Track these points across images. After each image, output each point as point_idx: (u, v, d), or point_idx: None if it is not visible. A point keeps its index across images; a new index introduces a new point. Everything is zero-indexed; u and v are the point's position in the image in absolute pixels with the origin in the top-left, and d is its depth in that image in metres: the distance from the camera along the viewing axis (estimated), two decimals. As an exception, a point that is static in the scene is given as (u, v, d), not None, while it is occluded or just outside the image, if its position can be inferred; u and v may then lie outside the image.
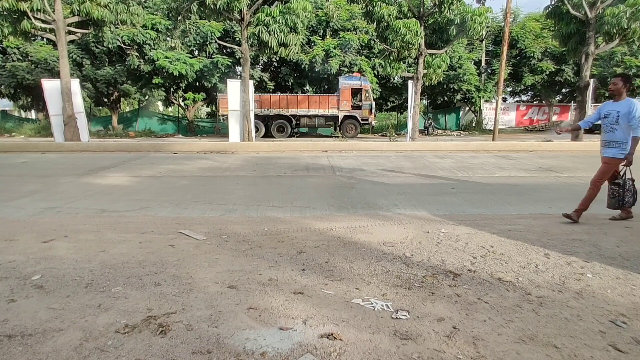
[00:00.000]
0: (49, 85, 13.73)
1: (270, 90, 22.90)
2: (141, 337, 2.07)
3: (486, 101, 25.35)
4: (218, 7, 12.42)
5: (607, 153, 4.29)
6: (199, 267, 3.04)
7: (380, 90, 23.66)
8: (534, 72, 24.84)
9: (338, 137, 18.60)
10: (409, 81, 15.30)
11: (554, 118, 27.38)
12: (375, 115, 22.49)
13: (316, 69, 21.68)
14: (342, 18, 22.76)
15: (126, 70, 21.70)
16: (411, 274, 2.93)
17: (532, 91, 28.40)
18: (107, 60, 22.13)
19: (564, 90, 28.51)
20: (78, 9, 13.57)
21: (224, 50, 21.90)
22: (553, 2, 14.86)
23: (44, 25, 13.21)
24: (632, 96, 24.07)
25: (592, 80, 15.04)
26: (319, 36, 22.55)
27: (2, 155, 11.12)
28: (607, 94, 26.29)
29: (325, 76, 22.22)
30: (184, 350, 1.95)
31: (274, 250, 3.47)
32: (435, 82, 16.72)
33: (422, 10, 14.63)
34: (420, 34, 14.01)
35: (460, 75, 23.34)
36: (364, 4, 15.10)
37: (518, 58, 25.22)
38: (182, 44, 19.82)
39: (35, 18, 12.97)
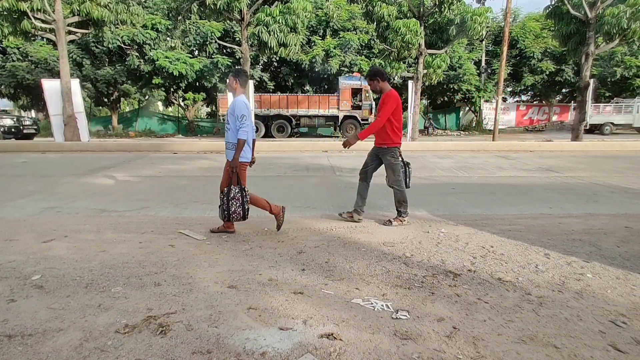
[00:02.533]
0: (49, 85, 13.72)
1: (270, 90, 22.90)
2: (141, 337, 2.07)
3: (486, 101, 25.34)
4: (218, 7, 12.43)
5: (227, 155, 3.87)
6: (199, 267, 3.04)
7: (381, 90, 23.62)
8: (534, 72, 24.85)
9: (338, 137, 18.60)
10: (409, 81, 15.30)
11: (554, 118, 27.40)
12: (375, 115, 22.48)
13: (316, 69, 21.69)
14: (342, 18, 22.76)
15: (126, 70, 21.70)
16: (411, 274, 2.93)
17: (532, 91, 28.40)
18: (107, 60, 22.13)
19: (564, 90, 28.53)
20: (78, 9, 13.56)
21: (224, 50, 21.90)
22: (553, 2, 14.85)
23: (44, 25, 13.21)
24: (632, 96, 24.20)
25: (592, 80, 15.04)
26: (319, 36, 22.55)
27: (2, 155, 11.11)
28: (607, 94, 26.33)
29: (325, 76, 22.22)
30: (184, 350, 1.95)
31: (274, 250, 3.47)
32: (435, 82, 16.73)
33: (422, 10, 14.64)
34: (420, 34, 14.01)
35: (460, 75, 23.34)
36: (364, 4, 15.11)
37: (518, 58, 25.22)
38: (182, 44, 19.83)
39: (35, 18, 12.97)
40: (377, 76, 4.15)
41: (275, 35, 13.22)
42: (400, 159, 4.26)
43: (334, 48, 21.55)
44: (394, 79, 23.47)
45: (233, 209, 3.69)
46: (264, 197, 4.06)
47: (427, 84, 16.93)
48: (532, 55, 24.29)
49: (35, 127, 17.38)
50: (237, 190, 3.72)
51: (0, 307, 2.38)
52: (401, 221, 4.29)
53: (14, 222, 4.37)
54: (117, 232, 3.97)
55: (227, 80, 3.94)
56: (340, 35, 22.08)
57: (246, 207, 3.75)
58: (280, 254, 3.35)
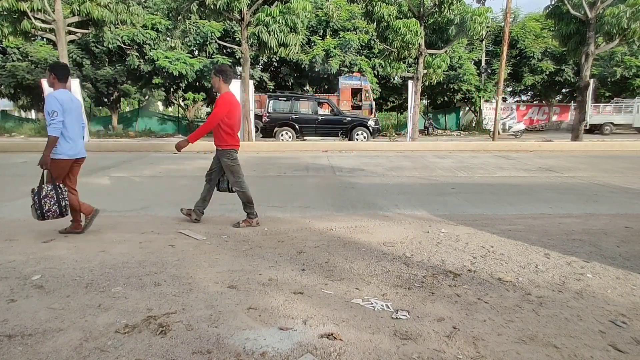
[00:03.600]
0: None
1: (270, 90, 22.90)
2: (141, 337, 2.07)
3: (486, 101, 25.33)
4: (218, 7, 12.41)
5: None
6: (199, 267, 3.04)
7: (380, 90, 23.63)
8: (534, 72, 24.83)
9: (338, 137, 18.58)
10: (409, 81, 15.28)
11: (554, 118, 27.40)
12: (375, 115, 22.49)
13: (316, 69, 21.66)
14: (342, 18, 22.74)
15: (126, 70, 21.68)
16: (411, 274, 2.93)
17: (532, 91, 28.39)
18: (107, 60, 22.11)
19: (564, 90, 28.51)
20: (78, 9, 13.55)
21: (224, 50, 21.88)
22: (553, 2, 14.85)
23: (44, 25, 13.20)
24: (632, 96, 24.19)
25: (592, 80, 15.04)
26: (319, 36, 22.53)
27: (2, 155, 11.11)
28: (607, 94, 26.32)
29: (325, 76, 22.20)
30: (184, 350, 1.95)
31: (274, 250, 3.47)
32: (435, 82, 16.70)
33: (422, 10, 14.63)
34: (420, 34, 14.00)
35: (460, 75, 23.32)
36: (364, 4, 15.09)
37: (518, 58, 25.20)
38: (182, 44, 19.81)
39: (35, 18, 12.96)
40: (221, 74, 4.09)
41: (275, 35, 13.20)
42: (239, 161, 4.20)
43: (334, 48, 21.53)
44: (394, 79, 23.51)
45: (47, 207, 3.53)
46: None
47: (427, 84, 16.91)
48: (532, 55, 24.26)
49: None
50: (49, 188, 3.56)
51: (0, 307, 2.38)
52: (249, 222, 4.20)
53: (14, 222, 4.37)
54: (117, 232, 3.98)
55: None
56: (340, 35, 22.06)
57: (63, 203, 3.59)
58: (280, 254, 3.35)
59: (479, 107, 26.09)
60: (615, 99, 24.92)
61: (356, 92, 20.42)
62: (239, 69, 21.26)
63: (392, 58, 15.29)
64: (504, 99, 27.96)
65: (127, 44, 20.39)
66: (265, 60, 23.22)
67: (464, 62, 23.42)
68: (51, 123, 3.47)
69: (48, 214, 3.56)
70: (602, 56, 22.23)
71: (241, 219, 4.30)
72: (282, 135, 15.42)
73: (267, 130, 15.73)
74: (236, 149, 4.20)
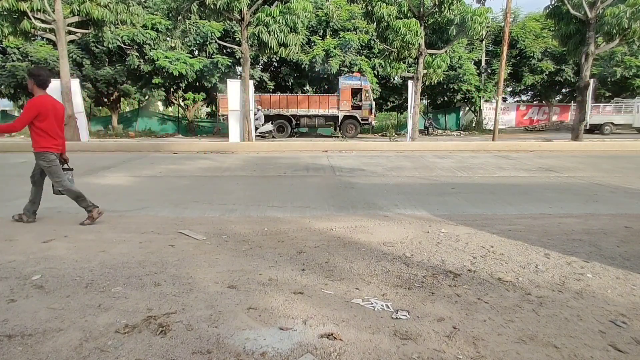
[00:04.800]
0: (49, 85, 13.71)
1: (270, 90, 22.91)
2: (141, 337, 2.07)
3: (486, 101, 25.35)
4: (218, 7, 12.42)
5: None
6: (199, 267, 3.04)
7: (380, 90, 23.64)
8: (534, 72, 24.85)
9: (338, 137, 18.61)
10: (409, 81, 15.30)
11: (554, 118, 27.41)
12: (375, 115, 22.52)
13: (316, 69, 21.68)
14: (342, 18, 22.75)
15: (126, 70, 21.69)
16: (411, 274, 2.93)
17: (532, 91, 28.43)
18: (107, 60, 22.13)
19: (564, 90, 28.54)
20: (78, 9, 13.57)
21: (224, 50, 21.89)
22: (553, 2, 14.86)
23: (44, 25, 13.22)
24: (632, 96, 24.17)
25: (592, 80, 15.06)
26: (319, 36, 22.54)
27: (2, 155, 11.11)
28: (607, 94, 26.33)
29: (325, 76, 22.21)
30: (184, 350, 1.95)
31: (274, 250, 3.47)
32: (435, 82, 16.72)
33: (422, 10, 14.64)
34: (420, 34, 14.01)
35: (460, 75, 23.33)
36: (364, 4, 15.11)
37: (518, 58, 25.21)
38: (182, 44, 19.83)
39: (35, 18, 12.98)
40: (32, 77, 4.03)
41: (275, 36, 13.21)
42: (57, 162, 4.14)
43: (334, 48, 21.54)
44: (394, 79, 23.51)
45: None
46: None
47: (427, 84, 16.93)
48: (532, 55, 24.28)
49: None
50: None
51: (0, 307, 2.38)
52: (92, 217, 4.19)
53: (14, 222, 4.37)
54: (117, 232, 3.97)
55: None
56: (340, 35, 22.07)
57: None
58: (280, 254, 3.35)
59: (479, 107, 26.10)
60: (615, 99, 24.95)
61: (356, 92, 20.44)
62: (239, 69, 21.28)
63: (392, 58, 15.30)
64: (504, 99, 27.98)
65: (127, 44, 20.40)
66: (265, 60, 23.24)
67: (464, 62, 23.44)
68: None
69: None
70: (602, 56, 22.24)
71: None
72: None
73: None
74: (52, 150, 4.10)
